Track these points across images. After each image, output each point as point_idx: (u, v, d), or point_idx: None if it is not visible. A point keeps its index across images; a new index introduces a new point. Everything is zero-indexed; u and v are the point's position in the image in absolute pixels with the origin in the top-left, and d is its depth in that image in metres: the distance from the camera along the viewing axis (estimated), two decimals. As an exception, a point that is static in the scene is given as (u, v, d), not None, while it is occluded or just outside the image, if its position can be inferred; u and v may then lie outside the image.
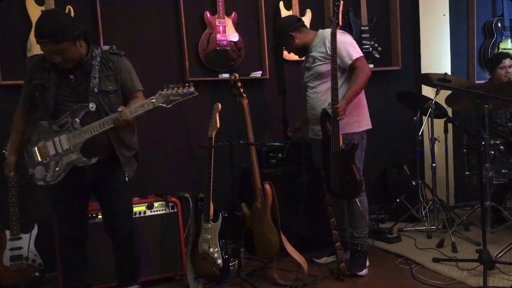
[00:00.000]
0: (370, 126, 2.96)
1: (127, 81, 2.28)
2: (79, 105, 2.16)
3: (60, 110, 2.18)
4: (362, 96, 2.91)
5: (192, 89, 2.02)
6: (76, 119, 2.15)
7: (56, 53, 2.08)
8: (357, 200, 2.87)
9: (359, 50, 2.84)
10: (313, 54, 2.88)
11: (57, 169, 2.19)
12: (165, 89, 2.04)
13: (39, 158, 2.22)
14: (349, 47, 2.79)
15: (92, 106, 2.14)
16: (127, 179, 2.32)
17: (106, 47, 2.29)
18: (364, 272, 2.87)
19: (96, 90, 2.17)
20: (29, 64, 2.27)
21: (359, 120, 2.88)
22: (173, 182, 3.38)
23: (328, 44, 2.75)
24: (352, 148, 2.66)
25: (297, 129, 3.29)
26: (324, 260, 3.05)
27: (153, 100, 2.04)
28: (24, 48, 2.99)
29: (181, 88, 2.04)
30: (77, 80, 2.19)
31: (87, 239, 2.46)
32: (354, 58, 2.77)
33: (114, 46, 2.33)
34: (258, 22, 3.69)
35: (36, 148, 2.23)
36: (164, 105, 2.03)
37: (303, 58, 3.05)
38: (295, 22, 2.96)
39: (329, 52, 2.73)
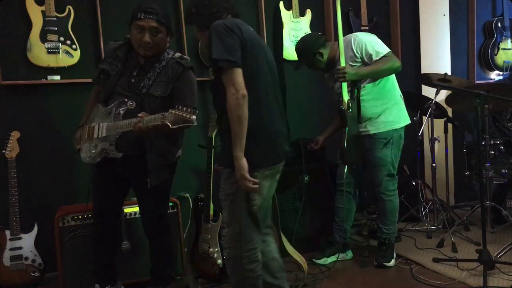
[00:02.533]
0: (408, 121, 2.96)
1: (178, 93, 2.27)
2: (121, 100, 2.23)
3: (113, 99, 2.27)
4: (396, 92, 2.94)
5: (193, 117, 1.91)
6: (120, 112, 2.21)
7: (151, 31, 2.21)
8: (387, 199, 2.94)
9: (385, 46, 2.83)
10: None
11: (93, 151, 2.28)
12: (176, 110, 1.94)
13: (86, 136, 2.33)
14: (376, 44, 2.80)
15: (131, 104, 2.20)
16: (148, 186, 2.27)
17: (178, 55, 2.35)
18: (392, 263, 2.92)
19: (144, 91, 2.24)
20: (108, 48, 2.40)
21: (398, 115, 2.89)
22: (173, 182, 3.38)
23: (354, 47, 2.78)
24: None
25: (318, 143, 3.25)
26: (323, 260, 3.05)
27: (163, 117, 1.96)
28: (24, 48, 2.99)
29: (185, 113, 1.92)
30: (139, 76, 2.27)
31: (120, 229, 2.55)
32: (383, 54, 2.75)
33: (185, 57, 2.38)
34: (258, 22, 3.69)
35: (88, 127, 2.33)
36: (170, 125, 1.93)
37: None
38: (319, 38, 2.96)
39: (357, 54, 2.78)
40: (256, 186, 1.87)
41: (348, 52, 2.80)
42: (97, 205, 2.44)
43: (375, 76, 2.80)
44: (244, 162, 1.82)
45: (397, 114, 2.88)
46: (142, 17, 2.19)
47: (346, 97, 2.74)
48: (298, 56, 3.04)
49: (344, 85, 2.74)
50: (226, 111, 1.83)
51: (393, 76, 2.92)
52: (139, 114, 2.09)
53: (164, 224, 2.50)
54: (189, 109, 1.90)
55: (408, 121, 2.96)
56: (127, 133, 2.18)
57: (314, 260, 3.05)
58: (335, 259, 3.04)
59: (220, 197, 2.06)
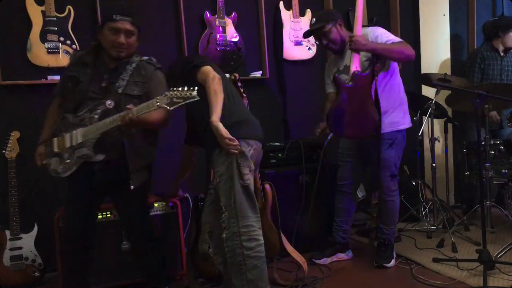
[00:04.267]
0: (410, 125, 2.97)
1: (152, 92, 2.28)
2: (97, 102, 2.20)
3: (85, 104, 2.22)
4: (403, 94, 2.94)
5: (194, 93, 1.99)
6: (94, 115, 2.18)
7: (126, 33, 2.24)
8: (389, 199, 2.92)
9: (395, 37, 2.84)
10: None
11: (68, 161, 2.22)
12: (171, 91, 2.01)
13: (56, 149, 2.26)
14: (391, 36, 2.81)
15: (109, 103, 2.19)
16: (132, 187, 2.25)
17: (145, 57, 2.36)
18: (391, 263, 2.92)
19: (120, 91, 2.23)
20: (71, 59, 2.40)
21: (403, 117, 2.89)
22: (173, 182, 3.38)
23: (369, 38, 2.76)
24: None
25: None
26: (324, 260, 3.05)
27: (158, 101, 2.01)
28: (24, 48, 2.99)
29: (184, 91, 2.00)
30: (110, 79, 2.26)
31: (94, 239, 2.44)
32: (397, 41, 2.77)
33: (153, 58, 2.40)
34: (258, 22, 3.69)
35: (55, 139, 2.27)
36: (167, 106, 1.99)
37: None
38: (340, 17, 2.92)
39: None
40: (236, 143, 2.11)
41: None
42: (72, 218, 2.35)
43: (385, 54, 2.74)
44: (220, 124, 2.09)
45: (402, 116, 2.89)
46: (118, 18, 2.21)
47: (353, 68, 2.70)
48: (317, 20, 2.91)
49: (355, 57, 2.71)
50: (207, 110, 2.15)
51: (399, 78, 2.93)
52: (128, 106, 2.09)
53: (149, 227, 2.46)
54: (185, 88, 1.97)
55: (410, 124, 2.97)
56: (106, 136, 2.15)
57: (314, 260, 3.05)
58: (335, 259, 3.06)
59: (215, 182, 2.22)
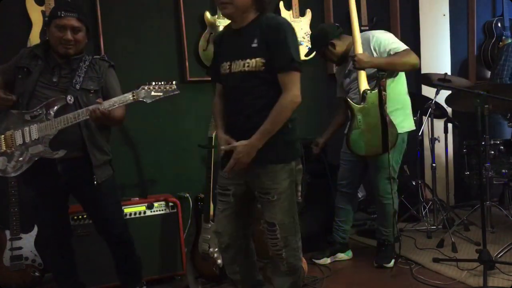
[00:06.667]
0: (413, 128, 2.95)
1: (108, 86, 2.29)
2: (56, 97, 2.13)
3: (36, 98, 2.15)
4: (406, 97, 2.92)
5: (174, 86, 2.04)
6: (50, 111, 2.12)
7: (72, 29, 2.15)
8: (386, 202, 2.90)
9: (403, 44, 2.80)
10: None
11: (20, 159, 2.14)
12: (148, 85, 2.05)
13: (3, 147, 2.17)
14: (393, 42, 2.79)
15: (70, 98, 2.14)
16: (95, 183, 2.20)
17: (97, 56, 2.35)
18: (391, 263, 2.92)
19: (78, 87, 2.18)
20: (22, 52, 2.27)
21: (403, 120, 2.87)
22: (173, 182, 3.38)
23: (372, 44, 2.76)
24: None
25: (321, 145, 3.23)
26: (323, 260, 3.05)
27: (134, 94, 2.03)
28: (24, 48, 2.99)
29: (163, 85, 2.05)
30: (61, 74, 2.20)
31: (72, 239, 2.42)
32: (401, 50, 2.73)
33: (105, 55, 2.38)
34: (258, 22, 3.68)
35: (2, 136, 2.17)
36: (145, 100, 2.03)
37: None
38: (335, 29, 2.93)
39: (374, 54, 2.75)
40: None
41: (366, 49, 2.77)
42: (45, 225, 2.32)
43: (390, 68, 2.74)
44: (254, 153, 1.92)
45: (402, 119, 2.86)
46: (62, 15, 2.13)
47: (362, 87, 2.69)
48: (311, 43, 3.02)
49: (362, 74, 2.70)
50: (267, 107, 1.88)
51: (404, 80, 2.91)
52: (97, 100, 2.09)
53: (122, 228, 2.42)
54: (163, 82, 2.02)
55: (412, 127, 2.94)
56: (63, 133, 2.11)
57: (314, 260, 3.05)
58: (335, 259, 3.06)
59: (266, 198, 2.01)
